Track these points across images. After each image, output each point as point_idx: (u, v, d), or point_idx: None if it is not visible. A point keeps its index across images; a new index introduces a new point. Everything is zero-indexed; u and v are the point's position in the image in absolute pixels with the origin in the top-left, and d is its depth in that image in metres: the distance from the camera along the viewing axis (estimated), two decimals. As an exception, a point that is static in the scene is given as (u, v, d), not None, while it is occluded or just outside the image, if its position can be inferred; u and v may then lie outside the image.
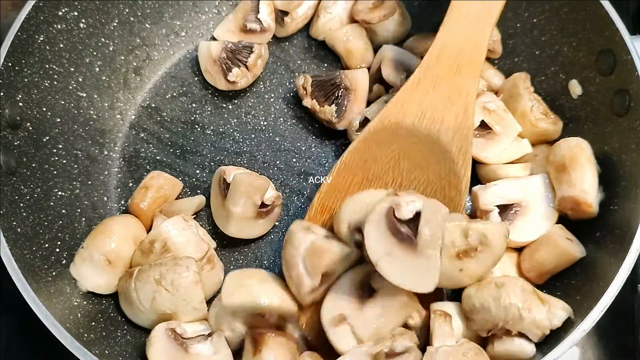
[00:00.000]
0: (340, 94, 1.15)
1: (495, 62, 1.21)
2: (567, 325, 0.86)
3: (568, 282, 0.97)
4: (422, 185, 0.98)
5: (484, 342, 0.90)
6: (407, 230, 0.84)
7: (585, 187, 0.96)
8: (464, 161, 0.96)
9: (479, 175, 1.10)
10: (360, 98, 1.16)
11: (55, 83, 1.07)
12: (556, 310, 0.87)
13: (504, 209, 1.01)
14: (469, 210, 1.06)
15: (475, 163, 1.09)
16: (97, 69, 1.15)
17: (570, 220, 1.00)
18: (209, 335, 0.91)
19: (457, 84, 1.00)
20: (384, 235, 0.84)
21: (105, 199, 1.11)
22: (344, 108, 1.15)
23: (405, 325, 0.89)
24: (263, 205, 1.04)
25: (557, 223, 1.00)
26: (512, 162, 1.08)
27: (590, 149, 1.00)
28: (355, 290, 0.90)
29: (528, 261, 0.98)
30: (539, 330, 0.86)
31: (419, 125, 0.99)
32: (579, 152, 0.99)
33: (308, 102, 1.15)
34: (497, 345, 0.88)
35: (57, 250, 0.98)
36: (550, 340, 0.86)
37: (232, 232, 1.04)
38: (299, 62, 1.26)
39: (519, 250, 1.01)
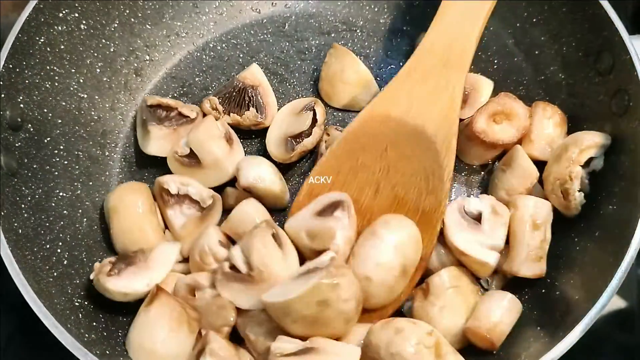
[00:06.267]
0: (250, 94, 1.16)
1: (495, 61, 1.21)
2: (567, 324, 0.86)
3: (566, 282, 0.97)
4: (408, 174, 1.00)
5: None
6: None
7: None
8: (447, 152, 0.99)
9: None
10: (268, 89, 1.18)
11: (56, 84, 1.07)
12: None
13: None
14: (452, 198, 1.09)
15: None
16: (98, 70, 1.16)
17: (569, 217, 1.01)
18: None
19: (445, 77, 1.01)
20: None
21: (107, 199, 1.12)
22: (262, 105, 1.16)
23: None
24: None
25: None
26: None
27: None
28: None
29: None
30: None
31: (406, 116, 1.01)
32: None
33: (228, 119, 1.14)
34: None
35: (59, 251, 0.98)
36: (544, 343, 0.87)
37: (232, 170, 1.08)
38: (298, 62, 1.27)
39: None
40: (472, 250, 0.96)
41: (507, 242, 0.99)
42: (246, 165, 1.07)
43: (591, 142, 0.99)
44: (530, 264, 0.96)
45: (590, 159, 1.00)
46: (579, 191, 0.99)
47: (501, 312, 0.92)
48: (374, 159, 1.01)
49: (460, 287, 0.96)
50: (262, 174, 1.06)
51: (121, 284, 0.93)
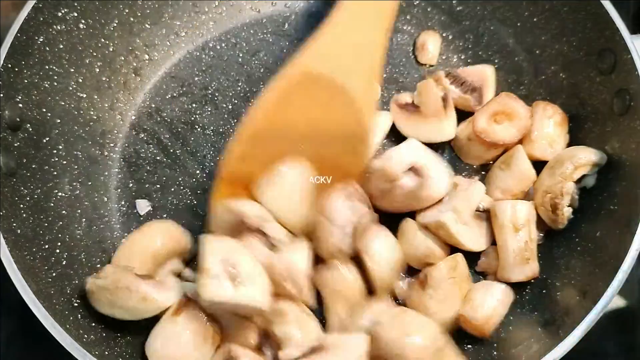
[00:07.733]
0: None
1: (496, 61, 1.21)
2: (568, 325, 0.86)
3: (567, 283, 0.97)
4: (330, 134, 0.98)
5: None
6: None
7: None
8: (369, 112, 1.00)
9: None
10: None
11: (55, 84, 1.07)
12: None
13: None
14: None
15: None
16: (97, 70, 1.15)
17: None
18: None
19: (369, 35, 1.00)
20: None
21: (106, 199, 1.11)
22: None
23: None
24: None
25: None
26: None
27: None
28: None
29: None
30: None
31: (330, 73, 0.97)
32: None
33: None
34: None
35: (58, 251, 0.98)
36: (546, 344, 0.86)
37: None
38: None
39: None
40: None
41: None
42: None
43: (586, 159, 0.99)
44: (519, 268, 0.97)
45: (583, 176, 1.00)
46: (568, 206, 0.99)
47: (495, 304, 0.95)
48: (296, 120, 0.98)
49: (456, 277, 0.96)
50: None
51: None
